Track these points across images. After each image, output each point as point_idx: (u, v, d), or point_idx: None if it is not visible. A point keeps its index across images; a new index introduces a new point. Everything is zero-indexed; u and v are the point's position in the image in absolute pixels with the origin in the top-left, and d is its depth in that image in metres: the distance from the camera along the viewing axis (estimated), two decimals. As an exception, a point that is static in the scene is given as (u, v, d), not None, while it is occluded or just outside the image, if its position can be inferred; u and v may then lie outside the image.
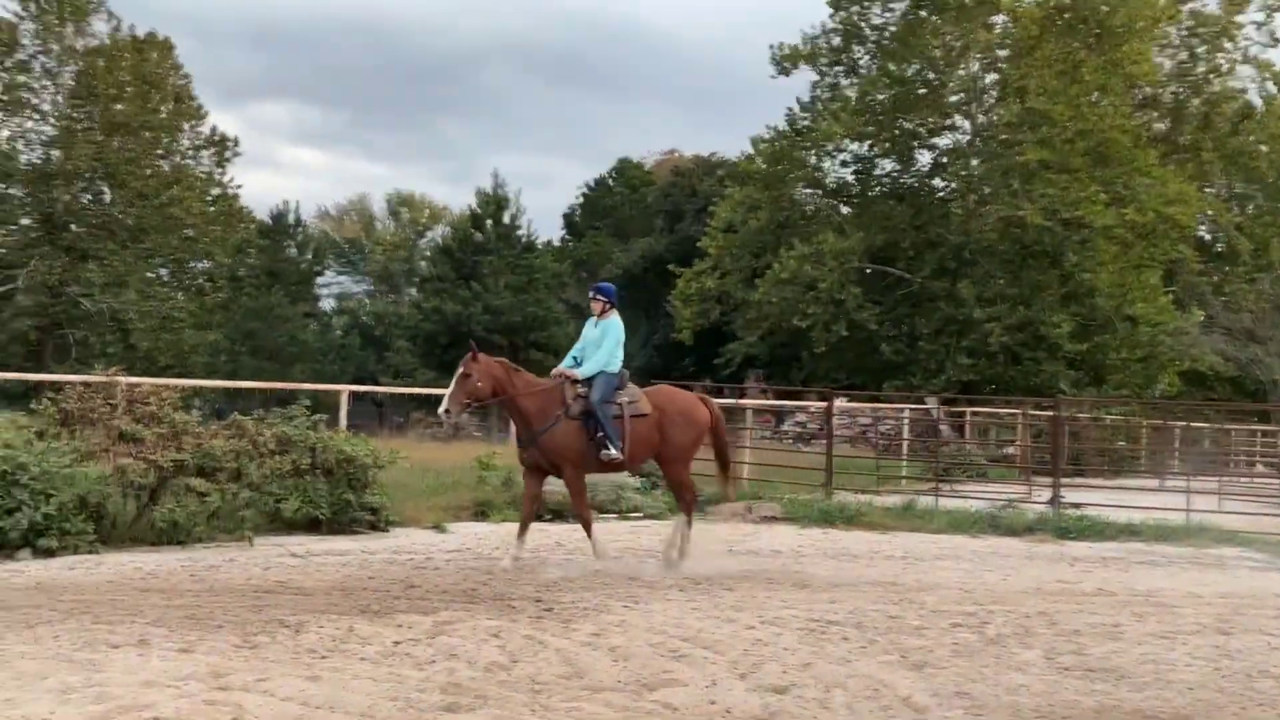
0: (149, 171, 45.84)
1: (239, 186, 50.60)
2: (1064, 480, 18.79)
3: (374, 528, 13.62)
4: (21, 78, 44.48)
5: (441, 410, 11.00)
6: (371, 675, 6.42)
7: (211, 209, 47.72)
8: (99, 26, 45.58)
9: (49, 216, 44.95)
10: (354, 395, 17.61)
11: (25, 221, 45.66)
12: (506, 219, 58.70)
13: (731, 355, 42.64)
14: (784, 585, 10.42)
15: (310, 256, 63.53)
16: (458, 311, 54.03)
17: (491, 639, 7.47)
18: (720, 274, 41.77)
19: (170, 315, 45.53)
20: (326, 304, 68.80)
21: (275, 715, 5.57)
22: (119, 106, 44.89)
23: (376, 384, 44.29)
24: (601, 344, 11.32)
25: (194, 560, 10.96)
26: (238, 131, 53.02)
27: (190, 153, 48.40)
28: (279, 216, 60.85)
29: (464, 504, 15.56)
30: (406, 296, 68.77)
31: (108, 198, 46.14)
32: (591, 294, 11.82)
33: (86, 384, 13.01)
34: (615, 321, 11.50)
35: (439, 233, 71.32)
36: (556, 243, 67.33)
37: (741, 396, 28.57)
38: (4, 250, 44.50)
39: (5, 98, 44.28)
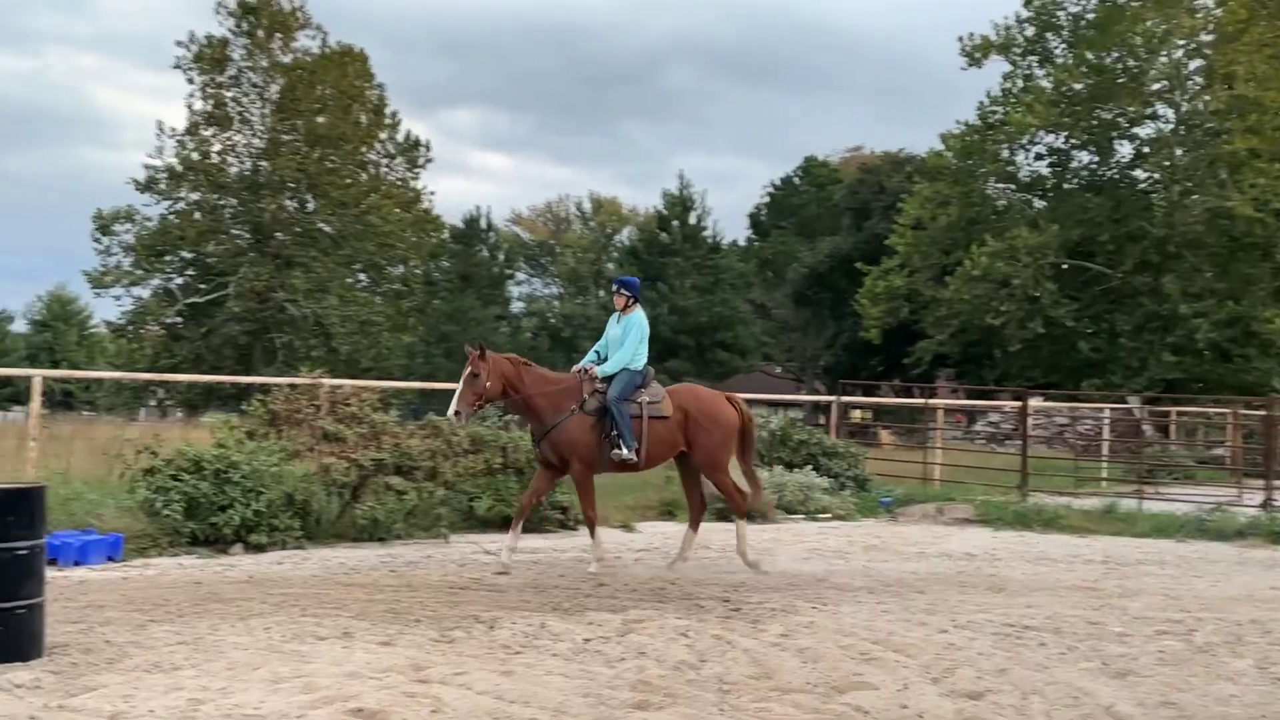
0: (348, 181, 47.47)
1: (432, 193, 52.06)
2: (1278, 483, 17.87)
3: (563, 526, 13.82)
4: (231, 93, 46.66)
5: (450, 413, 10.59)
6: (563, 671, 6.51)
7: (406, 215, 49.13)
8: (304, 41, 47.51)
9: (258, 226, 46.97)
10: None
11: (236, 231, 47.82)
12: (692, 220, 58.93)
13: (921, 354, 41.84)
14: (978, 589, 10.19)
15: (501, 260, 64.95)
16: (644, 312, 54.47)
17: (680, 638, 7.50)
18: (909, 272, 41.06)
19: (369, 319, 47.00)
20: (517, 306, 70.25)
21: (471, 708, 5.70)
22: (320, 119, 46.63)
23: (565, 385, 44.83)
24: (624, 341, 10.89)
25: (393, 556, 11.32)
26: (428, 138, 54.41)
27: (385, 161, 49.96)
28: (471, 221, 62.38)
29: (651, 504, 15.66)
30: (594, 298, 69.65)
31: (311, 207, 47.94)
32: (615, 288, 11.35)
33: (292, 386, 13.54)
34: (638, 317, 11.07)
35: (627, 235, 72.07)
36: (742, 243, 67.31)
37: (932, 396, 28.07)
38: (217, 259, 46.68)
39: (218, 112, 46.49)
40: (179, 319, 47.08)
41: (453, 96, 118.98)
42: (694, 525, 11.47)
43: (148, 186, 46.82)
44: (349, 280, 48.93)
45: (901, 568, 11.35)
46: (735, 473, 11.29)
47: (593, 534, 10.98)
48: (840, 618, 8.45)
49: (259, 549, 11.31)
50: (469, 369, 10.46)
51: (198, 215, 46.75)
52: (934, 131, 71.46)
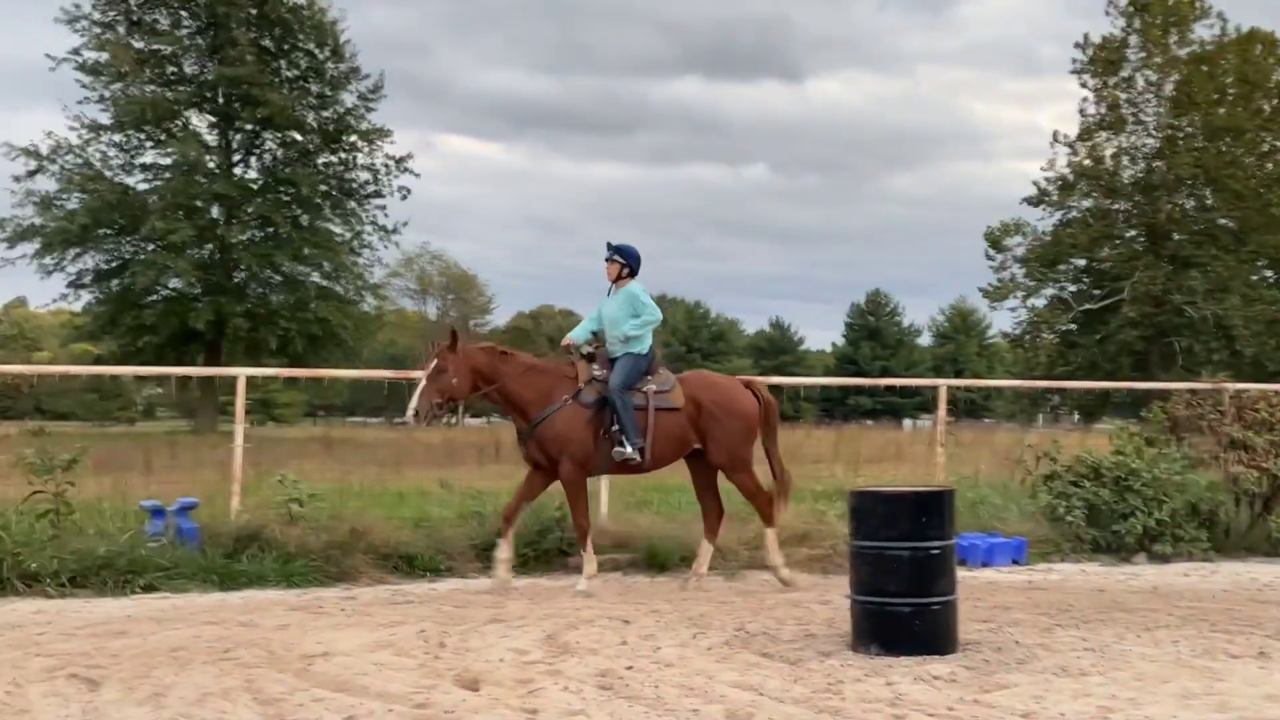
0: (1249, 173, 44.93)
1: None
2: None
3: None
4: (1124, 94, 46.33)
5: (409, 414, 9.04)
6: None
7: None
8: (1200, 32, 45.81)
9: (1152, 227, 46.11)
10: None
11: (1130, 234, 47.36)
12: None
13: None
14: None
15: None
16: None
17: None
18: None
19: (1275, 319, 44.05)
20: None
21: None
22: (1220, 110, 44.63)
23: None
24: (641, 314, 9.26)
25: (1313, 575, 10.46)
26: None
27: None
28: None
29: None
30: None
31: (1209, 203, 46.04)
32: (608, 255, 9.47)
33: (1193, 391, 13.12)
34: (635, 290, 9.40)
35: None
36: None
37: None
38: (1110, 264, 46.57)
39: (1110, 115, 46.41)
40: (1073, 326, 47.63)
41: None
42: (711, 536, 9.65)
43: (1040, 199, 48.07)
44: (1253, 278, 46.22)
45: None
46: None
47: (584, 547, 9.26)
48: None
49: (1163, 559, 11.11)
50: (435, 363, 9.09)
51: (1090, 222, 47.04)
52: None
